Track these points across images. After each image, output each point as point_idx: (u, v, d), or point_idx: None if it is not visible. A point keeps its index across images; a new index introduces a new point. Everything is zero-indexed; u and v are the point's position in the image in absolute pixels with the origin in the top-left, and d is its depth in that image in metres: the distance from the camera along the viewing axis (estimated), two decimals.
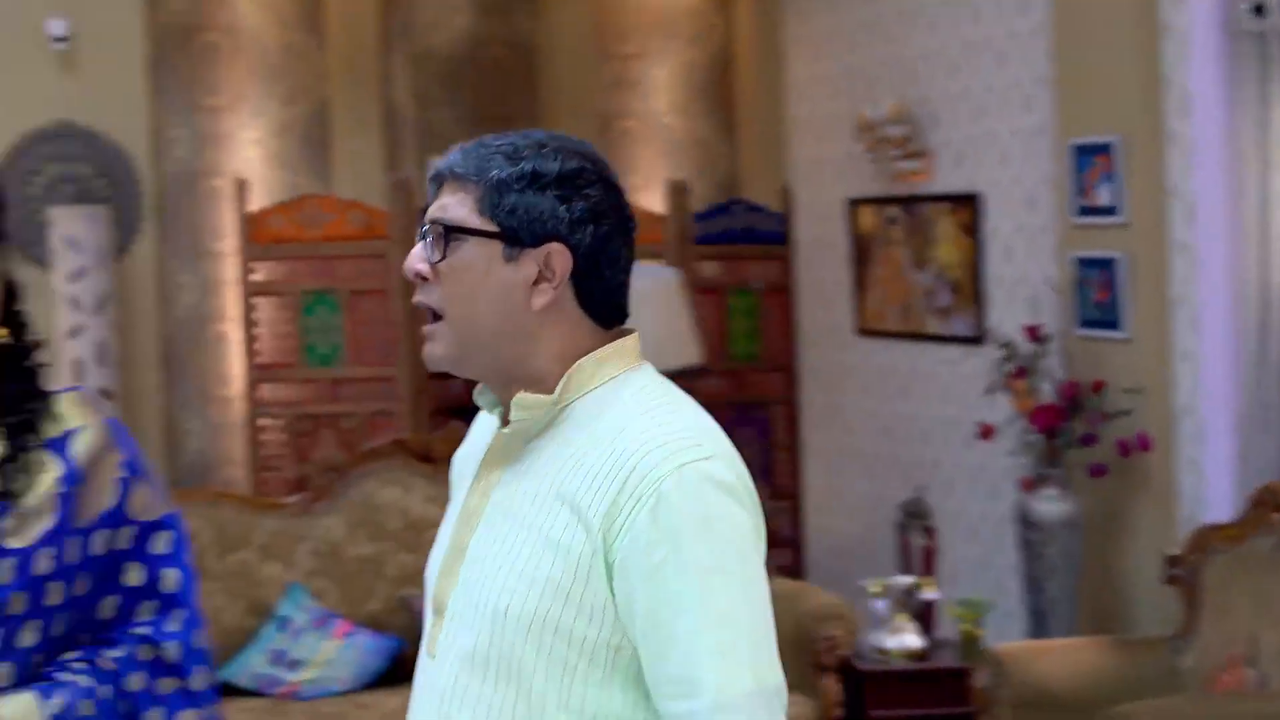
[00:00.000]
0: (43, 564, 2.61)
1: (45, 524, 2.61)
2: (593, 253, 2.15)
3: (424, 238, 2.17)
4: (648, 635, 2.04)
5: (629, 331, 2.23)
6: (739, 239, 7.30)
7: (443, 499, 5.72)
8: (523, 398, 2.15)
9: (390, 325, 6.76)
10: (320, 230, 6.91)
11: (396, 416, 6.61)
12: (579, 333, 2.18)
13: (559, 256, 2.14)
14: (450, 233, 2.15)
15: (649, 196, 7.45)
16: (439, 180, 2.20)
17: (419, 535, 5.62)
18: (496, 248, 2.13)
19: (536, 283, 2.14)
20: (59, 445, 2.64)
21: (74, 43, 7.00)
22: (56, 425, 2.66)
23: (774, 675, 2.05)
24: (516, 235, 2.13)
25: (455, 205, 2.16)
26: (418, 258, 2.17)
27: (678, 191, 7.10)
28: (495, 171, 2.14)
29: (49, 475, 2.63)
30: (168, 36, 7.24)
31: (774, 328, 7.37)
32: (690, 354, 6.34)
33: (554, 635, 2.07)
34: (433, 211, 2.18)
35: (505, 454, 2.20)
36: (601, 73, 7.90)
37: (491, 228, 2.14)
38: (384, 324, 6.79)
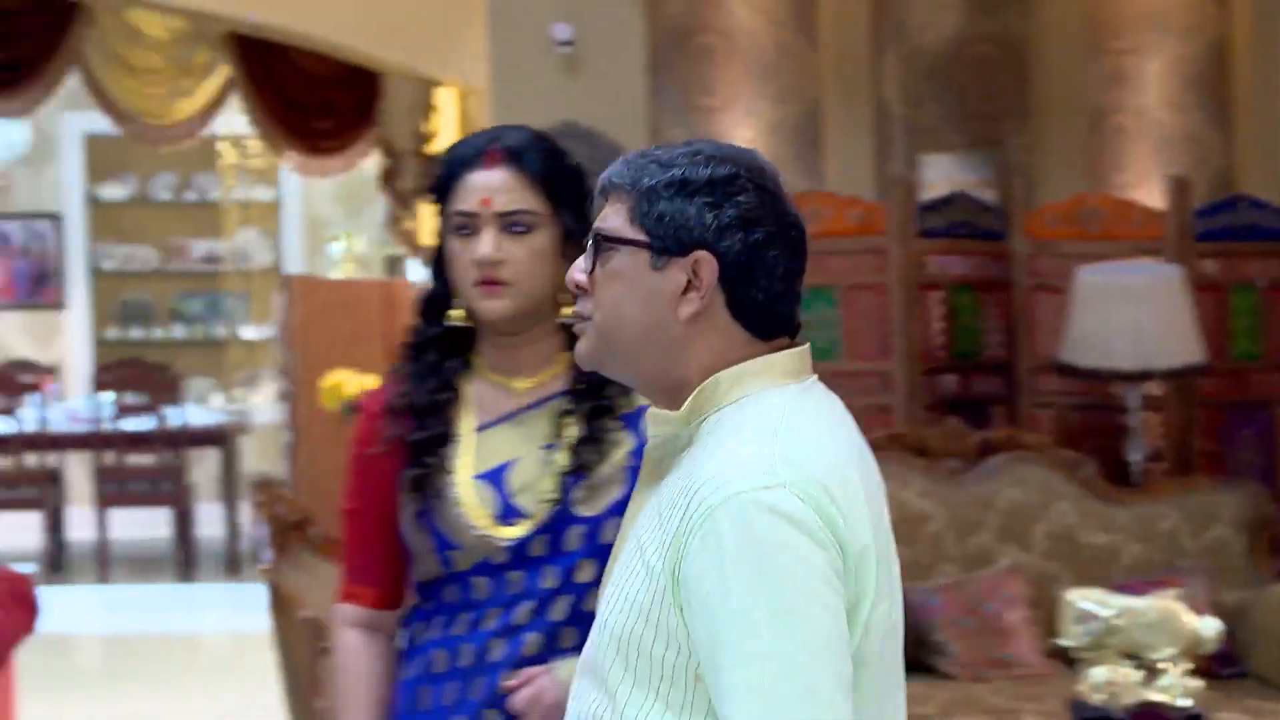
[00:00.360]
0: (610, 533, 2.73)
1: (615, 495, 2.74)
2: (743, 261, 2.09)
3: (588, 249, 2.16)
4: (705, 667, 1.99)
5: (795, 345, 2.15)
6: (1240, 236, 7.10)
7: (938, 493, 5.78)
8: (654, 413, 2.15)
9: (886, 320, 6.81)
10: (817, 226, 7.00)
11: (893, 410, 6.67)
12: (730, 344, 2.11)
13: (706, 264, 2.08)
14: (603, 242, 2.13)
15: (1142, 192, 7.32)
16: (604, 192, 2.16)
17: (915, 529, 5.66)
18: (644, 256, 2.10)
19: (685, 292, 2.09)
20: (632, 420, 2.77)
21: (578, 46, 7.26)
22: (630, 401, 2.79)
23: (832, 713, 1.94)
24: (663, 243, 2.09)
25: (612, 215, 2.13)
26: (578, 269, 2.16)
27: (1180, 188, 6.95)
28: (647, 179, 2.11)
29: (621, 449, 2.76)
30: (666, 39, 7.44)
31: (1277, 327, 7.15)
32: (1191, 352, 6.21)
33: (638, 654, 2.05)
34: (596, 223, 2.16)
35: (654, 467, 2.17)
36: (1092, 68, 7.79)
37: (640, 236, 2.10)
38: (880, 319, 6.85)
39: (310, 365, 8.95)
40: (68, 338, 12.31)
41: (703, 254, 2.08)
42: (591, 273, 2.14)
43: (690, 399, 2.10)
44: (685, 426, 2.11)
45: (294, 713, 5.12)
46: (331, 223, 12.09)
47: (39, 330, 12.30)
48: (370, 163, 8.67)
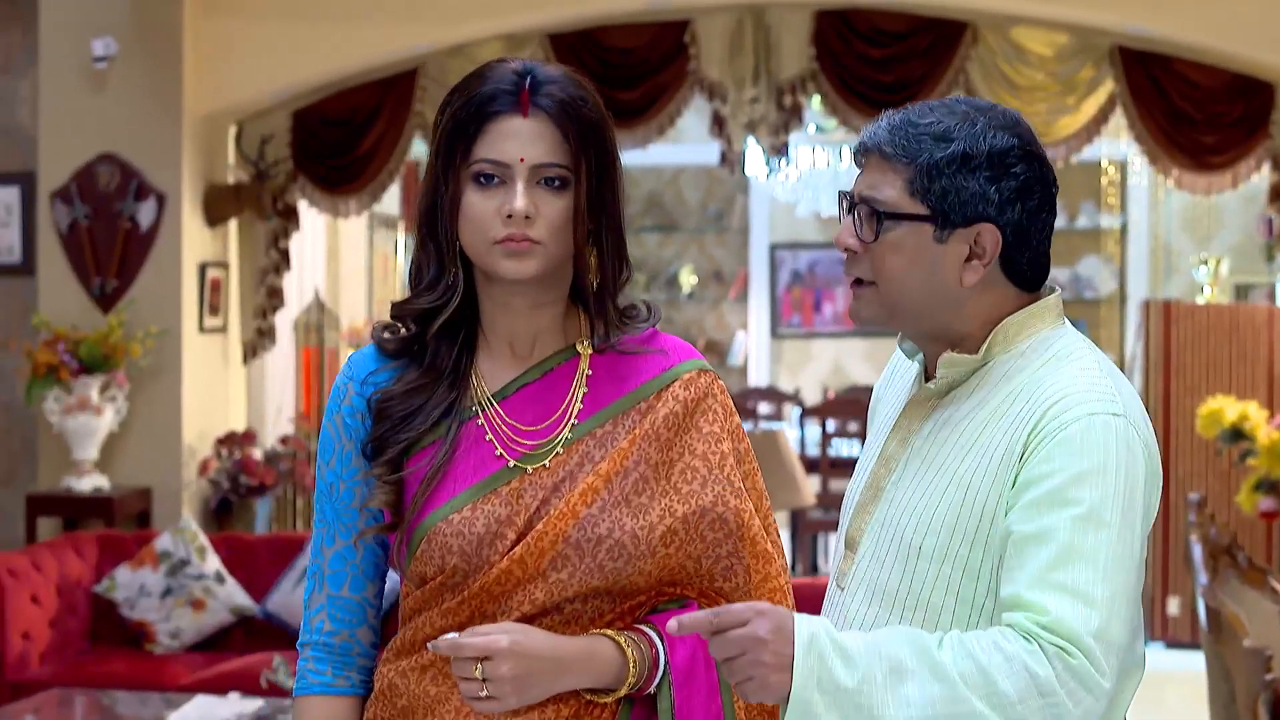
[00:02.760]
0: None
1: None
2: (1021, 228, 2.20)
3: (851, 213, 2.24)
4: (1011, 553, 2.10)
5: (1050, 291, 2.28)
6: None
7: None
8: (949, 357, 2.24)
9: None
10: None
11: None
12: (1004, 298, 2.24)
13: (989, 236, 2.20)
14: (883, 216, 2.20)
15: None
16: (864, 153, 2.25)
17: None
18: (927, 230, 2.19)
19: (967, 260, 2.20)
20: None
21: None
22: None
23: (1120, 631, 2.07)
24: (947, 218, 2.19)
25: (885, 186, 2.21)
26: (848, 232, 2.24)
27: None
28: (925, 155, 2.18)
29: None
30: None
31: None
32: None
33: (962, 574, 2.16)
34: (861, 189, 2.24)
35: (927, 405, 2.29)
36: None
37: (922, 211, 2.19)
38: None
39: (1178, 393, 8.66)
40: None
41: (986, 226, 2.20)
42: (869, 242, 2.23)
43: (986, 344, 2.23)
44: (978, 367, 2.24)
45: None
46: (1181, 250, 11.70)
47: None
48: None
